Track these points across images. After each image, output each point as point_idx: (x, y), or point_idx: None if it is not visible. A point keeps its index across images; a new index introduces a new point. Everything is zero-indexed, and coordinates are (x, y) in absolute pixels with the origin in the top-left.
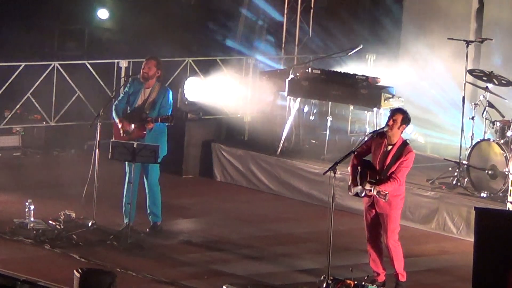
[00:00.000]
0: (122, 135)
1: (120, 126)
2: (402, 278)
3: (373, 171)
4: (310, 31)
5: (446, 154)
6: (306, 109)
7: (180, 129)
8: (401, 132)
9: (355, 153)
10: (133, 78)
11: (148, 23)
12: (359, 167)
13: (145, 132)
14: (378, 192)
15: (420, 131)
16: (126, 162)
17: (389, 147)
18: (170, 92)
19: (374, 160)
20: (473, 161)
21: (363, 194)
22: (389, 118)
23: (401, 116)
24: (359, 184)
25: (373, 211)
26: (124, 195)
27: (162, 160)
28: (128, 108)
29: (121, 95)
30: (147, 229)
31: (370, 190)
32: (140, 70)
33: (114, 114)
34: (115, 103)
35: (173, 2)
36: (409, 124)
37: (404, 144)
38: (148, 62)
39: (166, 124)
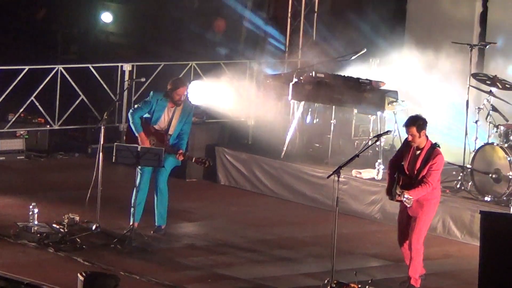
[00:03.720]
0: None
1: (140, 143)
2: (415, 282)
3: (405, 176)
4: (314, 35)
5: (450, 158)
6: (309, 113)
7: None
8: (425, 136)
9: (391, 160)
10: (157, 93)
11: (151, 26)
12: (395, 174)
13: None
14: (404, 198)
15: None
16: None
17: (418, 152)
18: (193, 109)
19: (405, 165)
20: (477, 165)
21: (394, 199)
22: (407, 132)
23: (414, 128)
24: (392, 189)
25: (406, 213)
26: (132, 197)
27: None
28: (150, 122)
29: (139, 105)
30: (151, 232)
31: (399, 195)
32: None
33: (133, 127)
34: (131, 113)
35: (176, 6)
36: (423, 125)
37: (433, 147)
38: (182, 90)
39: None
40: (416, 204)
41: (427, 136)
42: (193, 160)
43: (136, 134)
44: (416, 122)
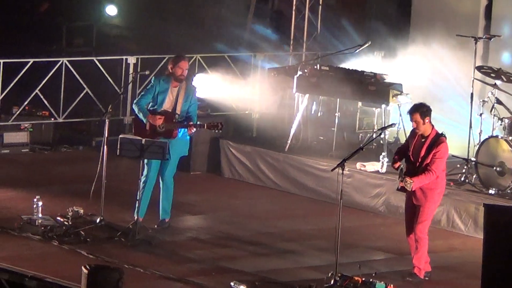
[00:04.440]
0: (148, 133)
1: (153, 122)
2: (418, 273)
3: (410, 164)
4: (318, 28)
5: (454, 151)
6: (314, 105)
7: None
8: (430, 123)
9: (398, 148)
10: (158, 77)
11: (156, 19)
12: (400, 163)
13: (177, 132)
14: (405, 181)
15: None
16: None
17: (423, 140)
18: (196, 89)
19: (410, 153)
20: (481, 157)
21: (398, 187)
22: (411, 120)
23: (418, 114)
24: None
25: (411, 203)
26: (138, 191)
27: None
28: (156, 106)
29: (142, 93)
30: (155, 226)
31: (401, 181)
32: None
33: (140, 116)
34: (135, 102)
35: None
36: (428, 112)
37: (438, 135)
38: (184, 63)
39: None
40: (420, 193)
41: (432, 125)
42: (205, 127)
43: (145, 120)
44: (420, 109)
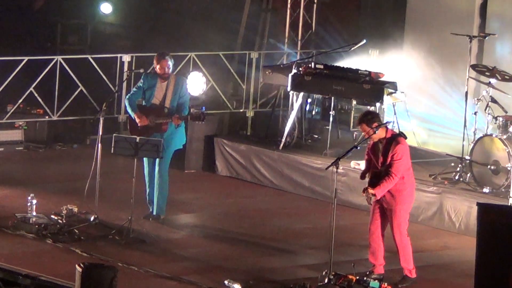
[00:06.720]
0: (139, 129)
1: (138, 121)
2: (409, 274)
3: (374, 169)
4: (313, 26)
5: (449, 150)
6: (308, 104)
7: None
8: (380, 128)
9: (367, 147)
10: (146, 73)
11: (150, 17)
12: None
13: (166, 127)
14: (367, 194)
15: (423, 126)
16: None
17: (380, 144)
18: (186, 81)
19: (373, 159)
20: (476, 156)
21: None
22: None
23: (364, 124)
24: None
25: (380, 204)
26: (147, 186)
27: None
28: (144, 102)
29: (134, 89)
30: (150, 219)
31: (363, 191)
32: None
33: (129, 110)
34: (127, 98)
35: None
36: (373, 119)
37: (393, 137)
38: (163, 61)
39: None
40: (389, 196)
41: (386, 128)
42: (189, 118)
43: (132, 116)
44: (364, 118)
